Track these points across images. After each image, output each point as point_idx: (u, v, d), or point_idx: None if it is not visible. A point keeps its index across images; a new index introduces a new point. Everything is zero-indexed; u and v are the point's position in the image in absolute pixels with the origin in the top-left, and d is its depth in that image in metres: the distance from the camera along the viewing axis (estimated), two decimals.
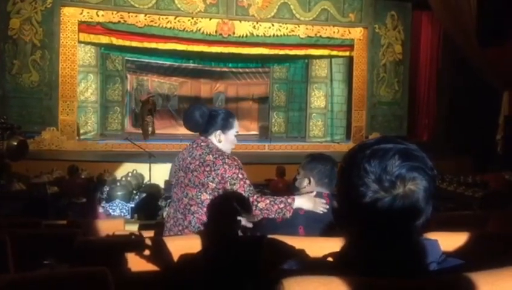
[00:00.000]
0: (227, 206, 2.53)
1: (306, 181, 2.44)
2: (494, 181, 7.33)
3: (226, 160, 2.50)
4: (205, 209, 2.51)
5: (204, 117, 2.62)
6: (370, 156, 0.94)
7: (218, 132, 2.62)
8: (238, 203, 2.50)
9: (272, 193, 6.55)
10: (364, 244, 0.97)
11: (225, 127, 2.64)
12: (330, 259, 1.05)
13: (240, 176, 2.48)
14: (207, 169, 2.49)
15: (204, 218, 2.51)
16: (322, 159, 2.45)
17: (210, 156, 2.51)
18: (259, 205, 2.44)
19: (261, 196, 2.52)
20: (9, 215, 4.71)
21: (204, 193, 2.51)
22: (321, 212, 2.34)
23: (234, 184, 2.47)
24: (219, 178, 2.48)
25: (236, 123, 2.70)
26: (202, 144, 2.60)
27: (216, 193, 2.51)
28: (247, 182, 2.50)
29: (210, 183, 2.49)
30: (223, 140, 2.63)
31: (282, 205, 2.41)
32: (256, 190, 2.61)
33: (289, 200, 2.42)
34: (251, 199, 2.46)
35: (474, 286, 0.91)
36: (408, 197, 0.92)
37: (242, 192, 2.46)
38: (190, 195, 2.54)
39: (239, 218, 2.48)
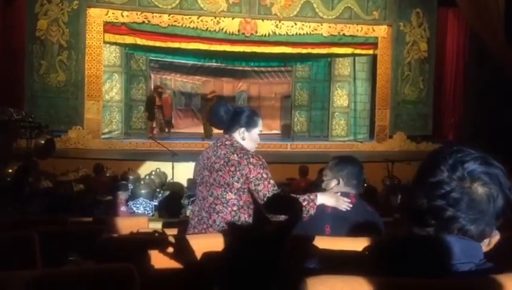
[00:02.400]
0: (254, 207, 2.55)
1: (334, 182, 2.46)
2: None
3: (251, 159, 2.51)
4: (230, 208, 2.53)
5: (229, 114, 2.64)
6: (455, 151, 1.00)
7: (242, 129, 2.63)
8: (265, 204, 2.52)
9: (293, 192, 6.52)
10: (403, 239, 0.98)
11: (249, 125, 2.64)
12: (365, 253, 1.05)
13: (264, 175, 2.49)
14: (232, 169, 2.50)
15: (229, 217, 2.53)
16: (352, 161, 2.50)
17: (235, 155, 2.52)
18: (282, 198, 2.49)
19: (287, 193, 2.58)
20: (37, 212, 4.83)
21: (230, 193, 2.53)
22: (344, 209, 2.34)
23: (258, 184, 2.48)
24: (244, 178, 2.49)
25: (260, 122, 2.71)
26: (226, 142, 2.61)
27: (241, 193, 2.52)
28: (272, 182, 2.50)
29: (236, 184, 2.51)
30: (247, 138, 2.64)
31: (305, 203, 2.41)
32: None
33: (312, 197, 2.42)
34: None
35: (504, 288, 0.90)
36: (471, 195, 0.94)
37: (267, 192, 2.47)
38: (216, 194, 2.55)
39: (265, 219, 2.50)
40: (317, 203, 2.39)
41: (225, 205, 2.54)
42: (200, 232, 2.59)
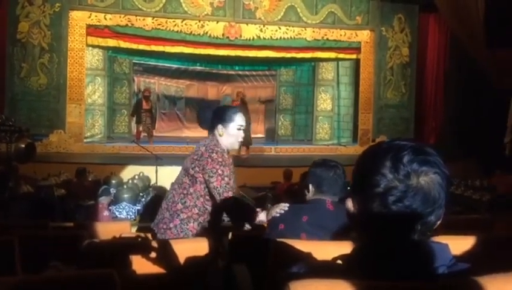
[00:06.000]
0: (217, 215, 2.72)
1: (307, 188, 2.38)
2: (502, 184, 7.27)
3: (213, 154, 2.68)
4: (181, 190, 2.76)
5: (210, 115, 2.85)
6: (386, 149, 0.98)
7: (219, 126, 2.78)
8: (228, 212, 2.71)
9: (277, 196, 6.52)
10: (374, 246, 0.97)
11: (225, 120, 2.78)
12: (339, 262, 1.04)
13: (220, 172, 2.65)
14: (195, 158, 2.73)
15: (177, 198, 2.76)
16: (323, 165, 2.34)
17: (204, 148, 2.73)
18: (231, 200, 2.63)
19: (236, 197, 2.70)
20: (17, 217, 4.74)
21: (186, 177, 2.76)
22: (275, 214, 2.34)
23: (211, 177, 2.65)
24: (200, 168, 2.68)
25: (237, 117, 2.81)
26: (209, 136, 2.83)
27: (194, 181, 2.72)
28: (226, 179, 2.65)
29: (190, 170, 2.72)
30: (224, 133, 2.78)
31: (249, 214, 2.61)
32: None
33: (258, 209, 2.62)
34: (225, 195, 2.62)
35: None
36: (422, 189, 0.94)
37: (218, 186, 2.62)
38: (179, 175, 2.83)
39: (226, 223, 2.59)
40: (258, 217, 2.55)
41: (180, 185, 2.78)
42: (160, 207, 2.87)
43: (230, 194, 2.62)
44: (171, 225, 2.75)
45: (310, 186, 2.35)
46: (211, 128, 2.82)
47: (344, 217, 2.24)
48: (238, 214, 2.70)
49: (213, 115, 2.82)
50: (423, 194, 0.94)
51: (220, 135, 2.77)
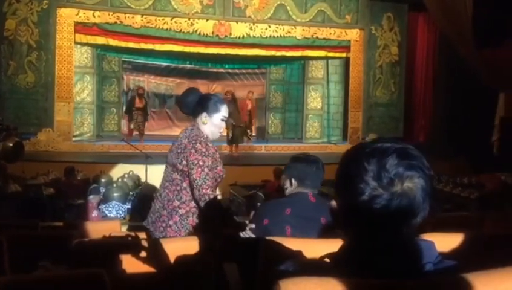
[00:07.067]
0: (207, 214, 2.64)
1: (288, 182, 2.43)
2: (490, 182, 7.34)
3: (196, 145, 2.64)
4: (174, 187, 2.71)
5: (195, 100, 2.80)
6: (369, 154, 0.95)
7: (204, 114, 2.77)
8: (219, 212, 2.65)
9: (268, 194, 6.53)
10: (361, 245, 0.98)
11: (211, 110, 2.77)
12: (327, 260, 1.05)
13: (200, 163, 2.61)
14: (179, 151, 2.69)
15: (171, 195, 2.71)
16: (305, 160, 2.43)
17: (186, 140, 2.69)
18: (207, 199, 2.57)
19: (215, 196, 2.65)
20: (5, 216, 4.70)
21: (175, 173, 2.71)
22: (242, 235, 2.36)
23: (192, 169, 2.61)
24: (185, 161, 2.64)
25: (223, 108, 2.82)
26: (189, 127, 2.79)
27: (185, 175, 2.67)
28: (206, 170, 2.61)
29: (178, 165, 2.68)
30: (208, 122, 2.77)
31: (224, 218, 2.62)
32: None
33: (233, 217, 2.63)
34: (203, 190, 2.57)
35: (470, 287, 0.92)
36: (406, 194, 0.93)
37: (197, 178, 2.58)
38: (168, 172, 2.77)
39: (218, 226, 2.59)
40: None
41: (171, 182, 2.73)
42: (153, 208, 2.81)
43: (209, 191, 2.58)
44: (171, 222, 2.70)
45: (293, 181, 2.40)
46: (194, 114, 2.79)
47: (326, 208, 2.26)
48: (215, 216, 2.67)
49: (198, 103, 2.79)
50: (408, 200, 0.93)
51: (204, 123, 2.76)
